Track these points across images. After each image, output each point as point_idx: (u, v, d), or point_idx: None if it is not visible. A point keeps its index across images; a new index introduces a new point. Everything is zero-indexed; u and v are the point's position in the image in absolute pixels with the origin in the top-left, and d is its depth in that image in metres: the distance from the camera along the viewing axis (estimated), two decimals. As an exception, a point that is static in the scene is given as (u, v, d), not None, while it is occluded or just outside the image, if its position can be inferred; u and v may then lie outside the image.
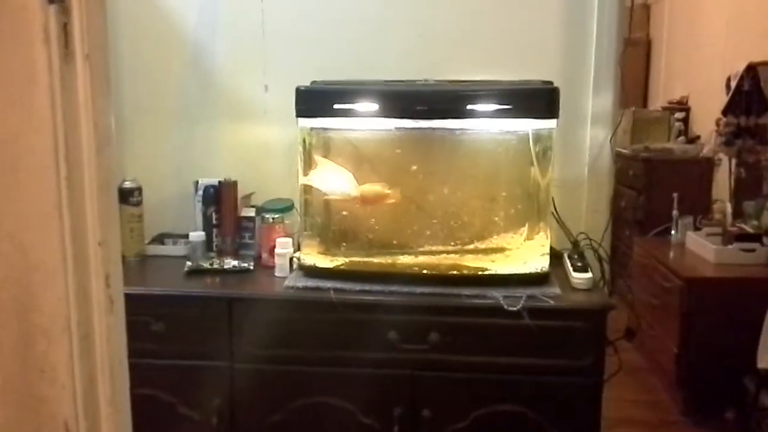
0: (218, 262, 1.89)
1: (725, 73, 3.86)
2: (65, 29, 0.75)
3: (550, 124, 1.67)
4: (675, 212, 3.48)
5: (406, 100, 1.67)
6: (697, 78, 4.65)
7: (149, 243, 2.08)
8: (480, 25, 2.03)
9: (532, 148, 1.69)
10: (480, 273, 1.73)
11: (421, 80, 1.79)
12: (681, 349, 2.99)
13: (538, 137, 1.68)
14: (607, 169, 2.02)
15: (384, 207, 1.76)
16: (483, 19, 2.03)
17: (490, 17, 2.02)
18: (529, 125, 1.67)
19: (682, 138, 4.46)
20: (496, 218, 1.78)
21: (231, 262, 1.89)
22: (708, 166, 4.14)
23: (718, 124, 3.71)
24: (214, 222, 2.01)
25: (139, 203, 2.01)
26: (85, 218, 0.78)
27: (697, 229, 3.40)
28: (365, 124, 1.72)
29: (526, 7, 2.00)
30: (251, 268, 1.88)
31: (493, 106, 1.64)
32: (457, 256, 1.77)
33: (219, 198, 2.01)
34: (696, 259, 3.18)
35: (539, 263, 1.73)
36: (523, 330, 1.62)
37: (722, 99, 3.78)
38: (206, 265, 1.88)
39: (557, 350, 1.64)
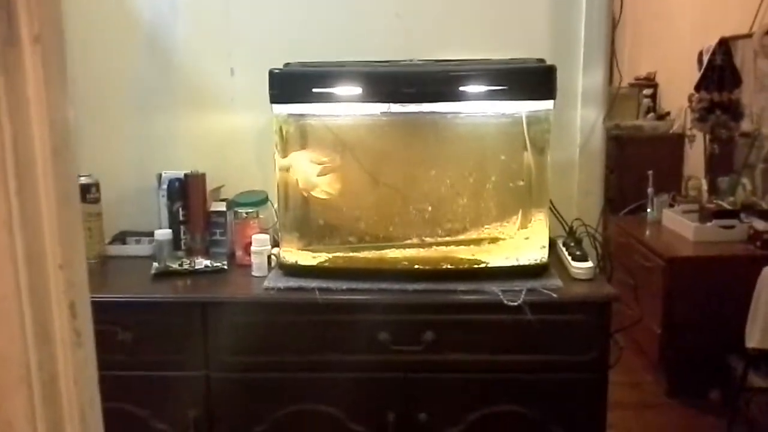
0: (188, 262, 1.74)
1: (694, 48, 3.81)
2: (8, 2, 0.59)
3: (547, 105, 1.56)
4: (650, 190, 3.43)
5: (392, 83, 1.53)
6: (665, 53, 4.60)
7: (110, 243, 1.91)
8: (461, 1, 1.90)
9: (525, 130, 1.58)
10: (475, 266, 1.62)
11: (405, 60, 1.66)
12: (663, 329, 2.94)
13: (535, 119, 1.56)
14: (599, 150, 1.93)
15: (361, 193, 1.63)
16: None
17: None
18: (524, 107, 1.55)
19: (651, 115, 4.41)
20: (489, 206, 1.67)
21: (203, 262, 1.74)
22: (679, 142, 4.11)
23: (690, 99, 3.67)
24: (182, 218, 1.85)
25: (96, 200, 1.83)
26: (43, 238, 0.63)
27: (670, 206, 3.36)
28: (347, 109, 1.58)
29: (511, -20, 1.88)
30: (225, 267, 1.73)
31: (486, 88, 1.51)
32: (449, 248, 1.66)
33: (186, 192, 1.85)
34: (674, 238, 3.14)
35: (537, 254, 1.63)
36: (524, 326, 1.51)
37: (692, 74, 3.74)
38: (175, 266, 1.72)
39: (559, 346, 1.54)
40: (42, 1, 0.63)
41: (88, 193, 1.81)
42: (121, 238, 1.94)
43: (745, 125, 3.43)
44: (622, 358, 3.19)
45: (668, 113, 4.39)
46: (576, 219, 1.82)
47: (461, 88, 1.51)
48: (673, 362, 2.94)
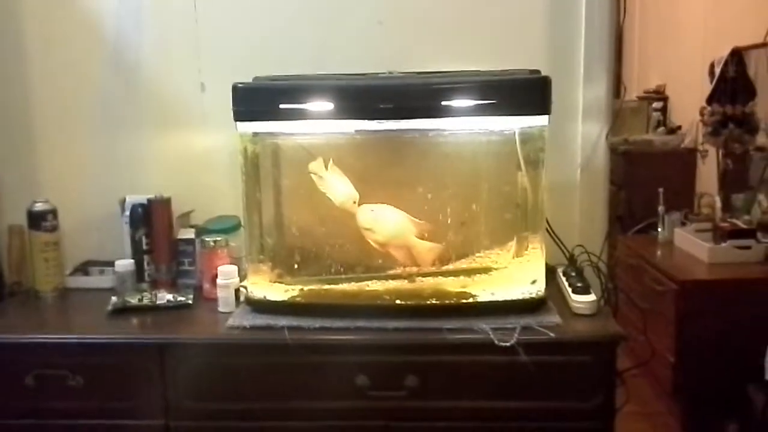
0: (149, 296, 1.58)
1: (705, 59, 3.65)
2: None
3: (541, 120, 1.40)
4: (661, 208, 3.25)
5: (367, 98, 1.37)
6: (675, 65, 4.44)
7: (71, 274, 1.76)
8: (449, 7, 1.75)
9: (519, 149, 1.42)
10: (463, 301, 1.45)
11: (384, 73, 1.50)
12: (677, 357, 2.76)
13: (527, 137, 1.40)
14: (602, 170, 1.77)
15: (337, 219, 1.47)
16: (453, 1, 1.75)
17: (462, -1, 1.74)
18: (515, 123, 1.39)
19: (661, 129, 4.25)
20: (479, 233, 1.51)
21: (165, 297, 1.58)
22: (691, 157, 3.94)
23: (702, 113, 3.50)
24: (145, 247, 1.70)
25: (54, 228, 1.69)
26: None
27: (682, 224, 3.18)
28: (319, 127, 1.43)
29: (504, -15, 1.72)
30: (189, 302, 1.57)
31: (473, 102, 1.35)
32: (435, 279, 1.50)
33: (149, 219, 1.69)
34: (687, 259, 2.95)
35: (533, 287, 1.46)
36: (518, 368, 1.34)
37: (703, 86, 3.58)
38: (134, 301, 1.56)
39: (558, 391, 1.37)
40: None
41: (44, 220, 1.66)
42: (83, 268, 1.78)
43: (760, 139, 3.25)
44: (632, 386, 3.00)
45: (679, 127, 4.22)
46: (578, 245, 1.65)
47: (444, 103, 1.35)
48: (688, 392, 2.75)
